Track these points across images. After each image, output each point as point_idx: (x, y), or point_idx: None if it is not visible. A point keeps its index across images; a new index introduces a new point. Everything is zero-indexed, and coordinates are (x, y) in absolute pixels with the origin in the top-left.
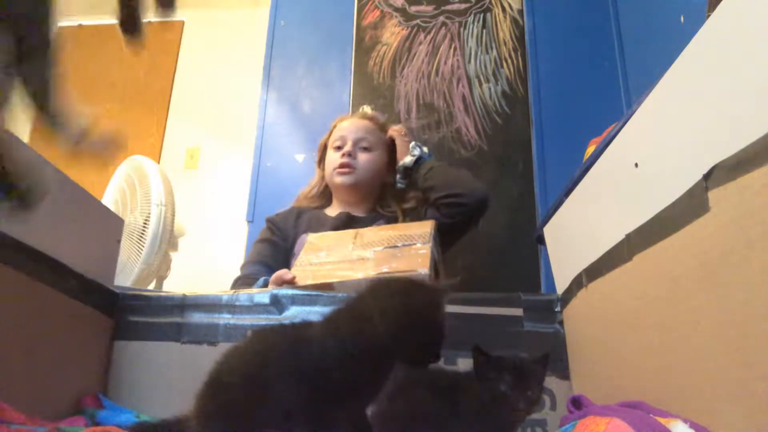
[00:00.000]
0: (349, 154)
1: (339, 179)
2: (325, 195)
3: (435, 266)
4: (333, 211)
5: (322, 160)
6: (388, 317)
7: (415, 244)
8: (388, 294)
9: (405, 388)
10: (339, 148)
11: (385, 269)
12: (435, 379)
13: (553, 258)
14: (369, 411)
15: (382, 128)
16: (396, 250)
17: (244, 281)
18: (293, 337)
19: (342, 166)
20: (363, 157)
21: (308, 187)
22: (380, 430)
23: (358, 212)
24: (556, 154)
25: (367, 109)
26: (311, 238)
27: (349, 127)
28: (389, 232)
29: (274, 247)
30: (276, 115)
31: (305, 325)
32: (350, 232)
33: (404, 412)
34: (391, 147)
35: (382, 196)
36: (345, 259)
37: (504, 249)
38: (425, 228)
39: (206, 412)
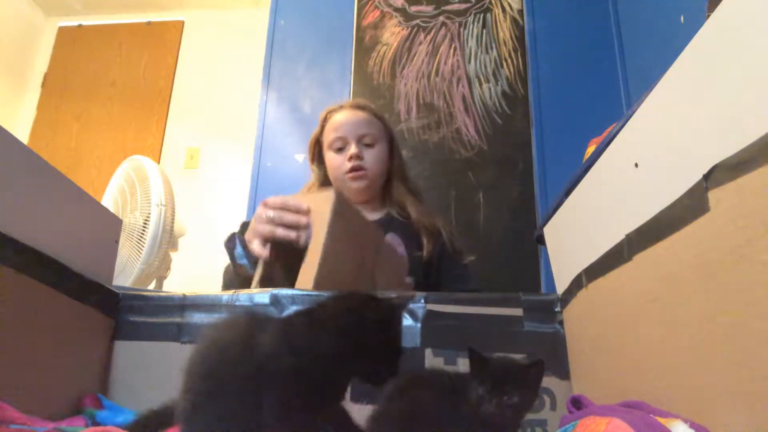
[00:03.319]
0: (357, 156)
1: (354, 185)
2: None
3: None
4: None
5: (315, 158)
6: (343, 334)
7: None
8: (345, 309)
9: (404, 389)
10: (341, 149)
11: None
12: (435, 379)
13: (553, 258)
14: (368, 412)
15: (379, 116)
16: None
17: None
18: (249, 335)
19: (353, 170)
20: (369, 155)
21: (305, 188)
22: (380, 431)
23: (368, 213)
24: (556, 154)
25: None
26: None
27: (346, 123)
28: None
29: None
30: (276, 115)
31: (265, 320)
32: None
33: (404, 412)
34: (389, 134)
35: (386, 186)
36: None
37: (504, 249)
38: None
39: (184, 400)
